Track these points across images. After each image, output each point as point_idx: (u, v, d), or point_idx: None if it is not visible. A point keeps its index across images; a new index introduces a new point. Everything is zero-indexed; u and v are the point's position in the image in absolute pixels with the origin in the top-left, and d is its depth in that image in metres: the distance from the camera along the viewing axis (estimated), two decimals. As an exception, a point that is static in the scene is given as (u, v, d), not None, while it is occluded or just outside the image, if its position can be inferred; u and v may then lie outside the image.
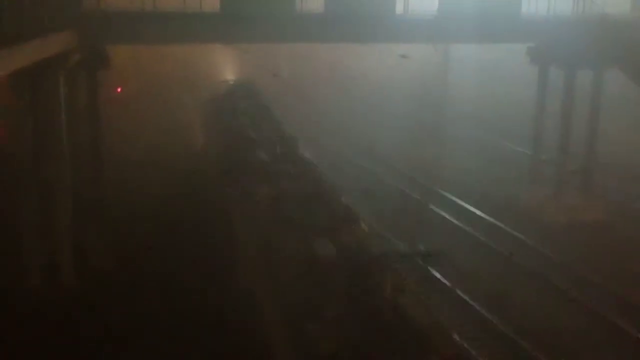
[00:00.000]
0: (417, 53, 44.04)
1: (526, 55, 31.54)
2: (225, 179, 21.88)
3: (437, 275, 23.37)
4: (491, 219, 28.63)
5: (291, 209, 14.45)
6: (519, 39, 30.41)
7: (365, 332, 10.53)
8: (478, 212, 29.49)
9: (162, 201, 29.51)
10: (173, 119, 43.92)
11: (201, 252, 23.65)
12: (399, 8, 27.58)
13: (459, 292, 22.18)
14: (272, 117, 28.74)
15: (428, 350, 10.33)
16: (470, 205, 30.27)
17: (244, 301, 17.02)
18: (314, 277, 11.69)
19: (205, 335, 18.18)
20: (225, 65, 55.08)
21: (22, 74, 19.59)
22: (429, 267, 23.78)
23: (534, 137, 32.68)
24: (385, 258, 12.38)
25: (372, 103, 53.09)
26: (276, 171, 17.19)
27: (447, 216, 29.38)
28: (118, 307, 20.68)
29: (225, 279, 19.87)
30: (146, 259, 23.97)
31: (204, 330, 18.42)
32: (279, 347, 11.64)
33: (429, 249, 14.64)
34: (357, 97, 55.47)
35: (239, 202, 18.02)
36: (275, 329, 12.07)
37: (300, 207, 14.30)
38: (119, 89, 43.89)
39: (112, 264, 23.55)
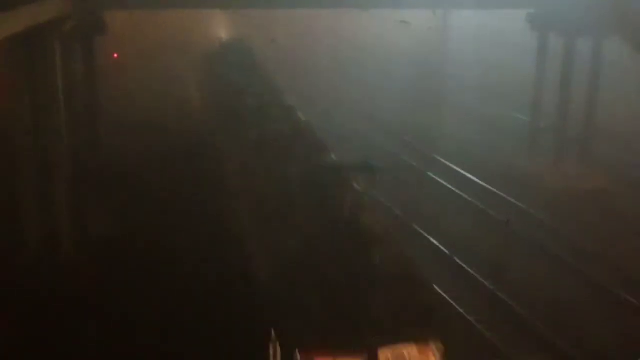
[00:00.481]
0: (416, 19, 43.71)
1: (526, 21, 31.29)
2: (217, 124, 23.38)
3: (435, 242, 23.47)
4: (489, 186, 28.61)
5: (273, 145, 16.39)
6: (518, 4, 30.16)
7: (326, 241, 12.07)
8: (475, 179, 29.47)
9: (160, 161, 29.71)
10: (169, 82, 43.74)
11: (197, 200, 24.29)
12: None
13: (457, 259, 22.26)
14: (262, 71, 29.96)
15: (387, 273, 11.52)
16: (469, 172, 30.23)
17: (229, 221, 18.67)
18: (286, 195, 14.00)
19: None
20: (223, 31, 54.60)
21: (17, 40, 19.42)
22: (427, 236, 24.03)
23: (533, 105, 32.58)
24: (344, 173, 14.84)
25: (371, 69, 52.75)
26: (262, 116, 18.97)
27: (445, 183, 29.36)
28: (118, 274, 20.78)
29: (217, 210, 20.96)
30: (146, 220, 24.18)
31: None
32: (252, 243, 14.37)
33: (378, 164, 16.31)
34: (356, 64, 55.11)
35: (229, 144, 20.05)
36: (251, 235, 14.72)
37: (281, 144, 16.39)
38: (115, 55, 43.53)
39: (112, 230, 23.66)
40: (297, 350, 10.45)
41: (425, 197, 28.21)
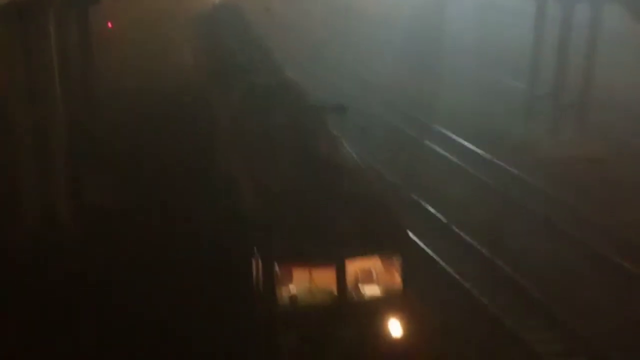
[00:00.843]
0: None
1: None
2: (208, 82, 25.10)
3: (432, 210, 23.52)
4: (486, 154, 28.60)
5: (259, 96, 17.82)
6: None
7: (305, 173, 13.89)
8: (472, 147, 29.45)
9: (156, 126, 30.06)
10: (164, 47, 43.56)
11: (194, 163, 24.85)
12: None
13: (454, 228, 22.34)
14: (252, 32, 30.97)
15: (357, 197, 13.35)
16: (466, 140, 30.19)
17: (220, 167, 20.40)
18: (268, 140, 15.65)
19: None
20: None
21: (10, 9, 19.18)
22: (425, 204, 24.08)
23: (531, 71, 32.45)
24: (321, 113, 17.47)
25: (366, 35, 52.42)
26: (250, 71, 20.24)
27: (442, 152, 29.33)
28: (118, 244, 20.89)
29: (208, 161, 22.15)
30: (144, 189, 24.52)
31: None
32: (241, 179, 15.74)
33: (342, 104, 18.51)
34: (351, 30, 54.72)
35: (220, 96, 21.46)
36: (240, 172, 16.04)
37: (266, 95, 17.80)
38: (109, 24, 43.18)
39: (111, 200, 23.71)
40: (275, 263, 12.28)
41: (423, 165, 28.21)
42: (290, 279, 12.64)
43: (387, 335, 12.44)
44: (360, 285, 12.86)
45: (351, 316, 12.42)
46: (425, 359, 12.98)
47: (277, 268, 12.34)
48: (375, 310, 12.53)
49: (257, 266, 12.82)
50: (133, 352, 16.01)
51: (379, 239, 12.72)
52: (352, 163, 15.66)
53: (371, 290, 12.84)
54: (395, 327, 12.43)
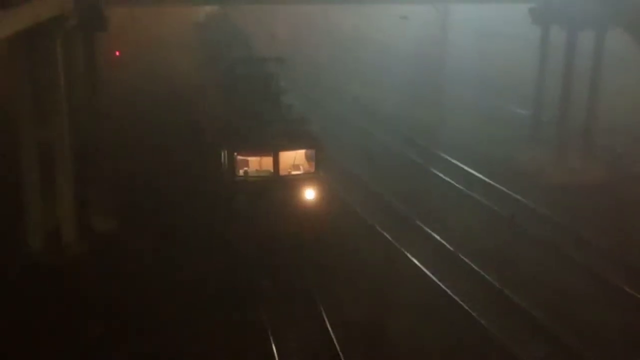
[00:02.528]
0: (417, 14, 43.68)
1: (528, 15, 31.26)
2: (203, 69, 31.85)
3: (437, 237, 23.47)
4: (492, 181, 28.59)
5: (240, 78, 23.61)
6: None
7: (256, 106, 21.60)
8: (478, 174, 29.45)
9: (161, 150, 30.96)
10: (167, 66, 44.08)
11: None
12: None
13: (460, 255, 22.26)
14: (240, 36, 35.68)
15: (287, 117, 21.30)
16: (471, 167, 30.21)
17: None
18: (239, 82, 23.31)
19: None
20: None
21: (20, 37, 19.41)
22: (430, 231, 24.02)
23: (535, 98, 32.55)
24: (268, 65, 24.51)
25: (372, 64, 52.75)
26: (236, 63, 25.05)
27: (447, 179, 29.34)
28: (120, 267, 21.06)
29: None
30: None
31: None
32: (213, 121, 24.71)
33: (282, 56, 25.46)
34: (358, 59, 55.12)
35: (211, 83, 27.74)
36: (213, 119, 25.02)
37: (246, 79, 23.35)
38: (117, 52, 43.55)
39: (114, 223, 23.90)
40: (235, 153, 19.85)
41: (427, 192, 28.21)
42: (246, 163, 20.37)
43: (303, 197, 19.96)
44: (287, 168, 20.27)
45: (280, 185, 19.84)
46: (322, 212, 20.15)
47: (237, 157, 19.95)
48: (296, 183, 20.03)
49: (226, 155, 20.19)
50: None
51: (300, 140, 20.38)
52: (288, 101, 22.75)
53: (294, 170, 20.44)
54: (308, 194, 19.95)
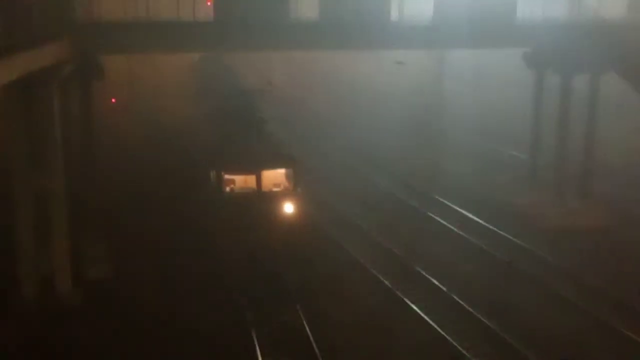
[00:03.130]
0: (413, 59, 44.02)
1: (522, 59, 31.48)
2: (196, 104, 35.46)
3: (436, 282, 23.21)
4: (489, 225, 28.43)
5: (227, 110, 26.55)
6: (514, 43, 30.34)
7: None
8: (476, 219, 29.30)
9: (155, 198, 30.98)
10: (164, 120, 44.26)
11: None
12: (394, 14, 27.47)
13: (458, 299, 21.97)
14: (232, 75, 38.50)
15: (268, 141, 24.14)
16: (469, 211, 30.07)
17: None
18: (227, 114, 26.17)
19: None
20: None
21: (17, 84, 19.42)
22: (428, 276, 23.78)
23: (532, 142, 32.61)
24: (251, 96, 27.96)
25: (369, 109, 53.01)
26: (227, 96, 28.67)
27: (445, 223, 29.17)
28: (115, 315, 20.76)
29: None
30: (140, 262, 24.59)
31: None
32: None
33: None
34: (354, 104, 55.41)
35: (206, 115, 30.26)
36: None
37: (232, 110, 26.01)
38: (113, 100, 43.77)
39: (109, 271, 23.69)
40: (222, 172, 22.57)
41: (425, 236, 28.03)
42: (233, 181, 23.03)
43: (282, 211, 22.38)
44: (269, 185, 22.86)
45: (263, 199, 22.48)
46: (300, 224, 22.61)
47: (226, 176, 22.77)
48: (276, 198, 22.65)
49: (215, 175, 22.94)
50: None
51: (279, 161, 23.21)
52: (267, 128, 25.31)
53: (275, 188, 23.01)
54: (287, 207, 22.38)
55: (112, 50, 26.35)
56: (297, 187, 22.90)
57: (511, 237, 27.02)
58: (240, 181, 22.96)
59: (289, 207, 22.35)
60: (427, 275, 23.87)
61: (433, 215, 30.07)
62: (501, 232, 27.60)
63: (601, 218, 29.36)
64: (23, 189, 21.62)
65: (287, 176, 23.11)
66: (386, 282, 23.41)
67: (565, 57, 29.39)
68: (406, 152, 40.92)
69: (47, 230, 22.10)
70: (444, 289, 22.81)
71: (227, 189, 22.72)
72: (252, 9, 25.77)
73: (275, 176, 23.03)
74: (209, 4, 26.33)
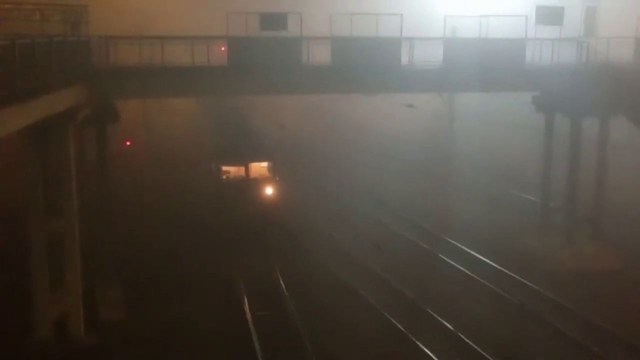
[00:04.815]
0: (423, 102, 44.31)
1: (532, 103, 31.71)
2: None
3: (447, 324, 23.17)
4: (502, 268, 28.40)
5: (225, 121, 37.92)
6: (524, 87, 30.64)
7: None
8: (488, 261, 29.28)
9: (170, 241, 31.56)
10: (178, 164, 44.64)
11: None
12: (404, 59, 27.87)
13: (471, 343, 21.90)
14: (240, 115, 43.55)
15: (257, 140, 35.25)
16: (479, 254, 30.06)
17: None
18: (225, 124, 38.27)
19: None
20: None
21: (33, 129, 19.79)
22: (439, 318, 23.72)
23: (542, 184, 32.67)
24: None
25: (379, 152, 53.25)
26: (223, 113, 39.22)
27: (456, 265, 29.16)
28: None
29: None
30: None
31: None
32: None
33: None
34: (365, 147, 55.67)
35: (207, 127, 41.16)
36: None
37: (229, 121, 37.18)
38: (127, 143, 44.28)
39: (123, 316, 23.68)
40: (221, 165, 31.72)
41: (436, 279, 28.00)
42: (228, 172, 31.64)
43: (264, 192, 31.40)
44: (254, 174, 31.66)
45: (251, 185, 31.30)
46: (276, 201, 31.89)
47: (223, 167, 31.52)
48: (260, 183, 31.49)
49: (216, 167, 31.89)
50: None
51: (262, 156, 32.17)
52: (255, 134, 35.58)
53: (259, 176, 31.79)
54: (267, 190, 31.40)
55: (128, 95, 26.85)
56: (275, 176, 32.02)
57: (522, 279, 27.00)
58: (234, 171, 31.68)
59: (269, 190, 31.63)
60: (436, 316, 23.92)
61: (443, 257, 30.07)
62: (512, 274, 27.57)
63: (612, 260, 29.26)
64: (37, 231, 21.87)
65: (268, 168, 32.11)
66: (398, 325, 23.47)
67: (575, 101, 29.61)
68: (417, 194, 40.96)
69: (60, 271, 22.27)
70: (453, 329, 22.82)
71: (224, 177, 31.53)
72: (265, 54, 26.28)
73: (259, 167, 31.93)
74: (223, 49, 26.82)
